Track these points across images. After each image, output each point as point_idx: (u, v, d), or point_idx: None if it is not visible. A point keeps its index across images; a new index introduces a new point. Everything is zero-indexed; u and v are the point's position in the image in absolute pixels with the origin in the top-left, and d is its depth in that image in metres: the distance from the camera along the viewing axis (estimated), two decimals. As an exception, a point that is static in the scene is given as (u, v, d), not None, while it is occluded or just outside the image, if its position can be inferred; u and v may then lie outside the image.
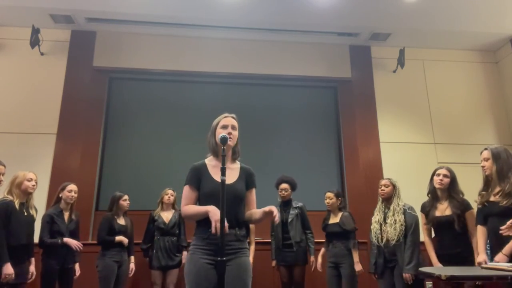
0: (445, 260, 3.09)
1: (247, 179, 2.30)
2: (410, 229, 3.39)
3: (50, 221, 3.59)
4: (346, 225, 3.92)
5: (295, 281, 4.10)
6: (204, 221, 2.06)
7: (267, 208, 2.09)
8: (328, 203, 4.05)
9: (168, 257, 4.16)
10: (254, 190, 2.33)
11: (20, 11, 5.17)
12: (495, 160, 2.82)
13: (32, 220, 3.30)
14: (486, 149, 2.92)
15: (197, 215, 2.13)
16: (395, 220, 3.43)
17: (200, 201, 2.23)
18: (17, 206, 3.17)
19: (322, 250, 4.17)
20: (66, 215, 3.71)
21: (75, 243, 3.59)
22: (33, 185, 3.29)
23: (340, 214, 4.01)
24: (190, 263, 2.10)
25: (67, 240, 3.58)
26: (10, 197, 3.18)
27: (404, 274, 3.30)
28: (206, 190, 2.19)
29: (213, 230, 1.96)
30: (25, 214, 3.24)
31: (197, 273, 2.05)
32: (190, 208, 2.17)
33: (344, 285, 3.82)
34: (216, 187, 2.13)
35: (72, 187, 3.73)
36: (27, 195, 3.29)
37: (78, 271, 3.78)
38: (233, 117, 2.33)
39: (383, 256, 3.49)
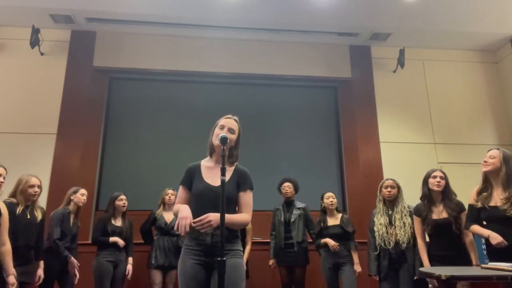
0: (439, 260, 3.07)
1: (239, 180, 2.20)
2: None
3: (61, 219, 3.67)
4: (348, 226, 3.91)
5: (296, 281, 4.10)
6: None
7: None
8: (331, 202, 4.02)
9: (167, 257, 4.15)
10: (248, 192, 2.20)
11: (20, 11, 5.17)
12: (505, 163, 2.75)
13: (35, 222, 3.26)
14: (498, 148, 2.86)
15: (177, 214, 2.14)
16: (404, 223, 3.38)
17: (191, 201, 2.21)
18: (19, 209, 3.14)
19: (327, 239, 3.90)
20: (71, 217, 3.81)
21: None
22: (36, 192, 3.25)
23: (339, 216, 4.01)
24: (180, 263, 2.12)
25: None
26: (13, 200, 3.17)
27: (417, 277, 3.25)
28: (195, 191, 2.19)
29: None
30: (28, 217, 3.21)
31: (185, 273, 2.07)
32: (175, 208, 2.18)
33: (345, 287, 3.80)
34: (204, 188, 2.16)
35: (84, 191, 3.92)
36: (30, 200, 3.27)
37: (77, 274, 3.75)
38: (235, 120, 2.26)
39: (388, 259, 3.42)
